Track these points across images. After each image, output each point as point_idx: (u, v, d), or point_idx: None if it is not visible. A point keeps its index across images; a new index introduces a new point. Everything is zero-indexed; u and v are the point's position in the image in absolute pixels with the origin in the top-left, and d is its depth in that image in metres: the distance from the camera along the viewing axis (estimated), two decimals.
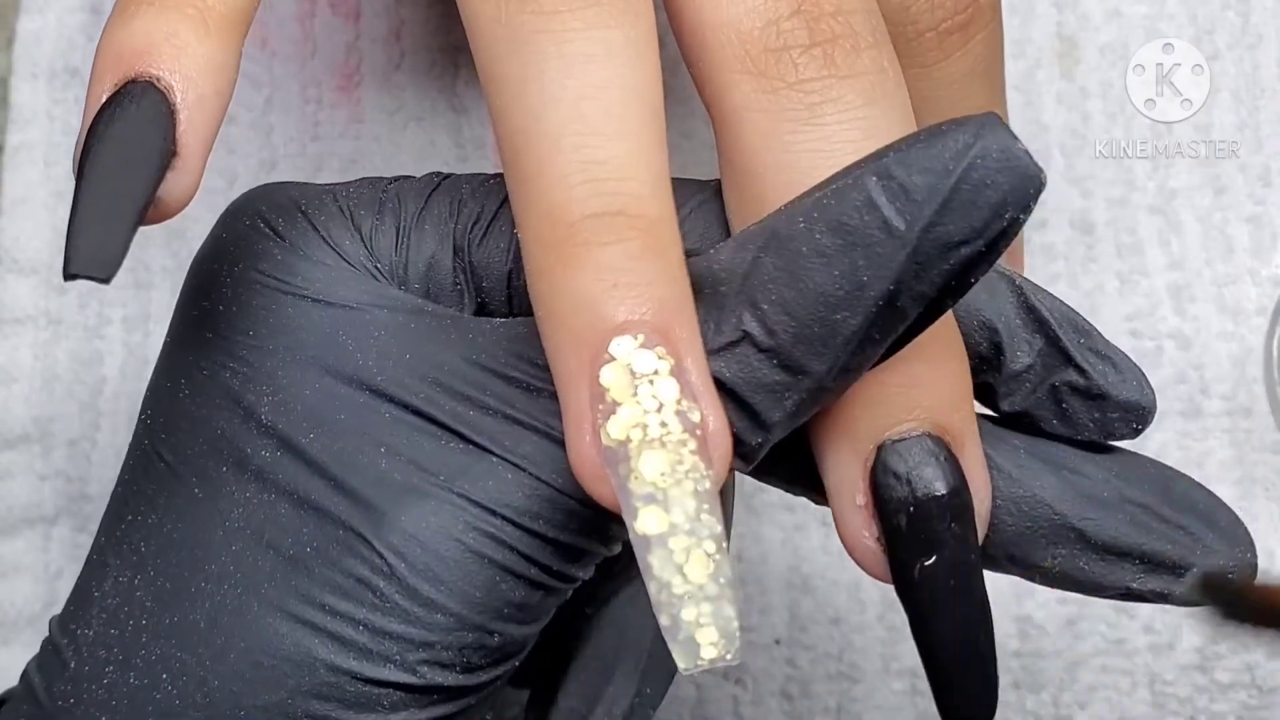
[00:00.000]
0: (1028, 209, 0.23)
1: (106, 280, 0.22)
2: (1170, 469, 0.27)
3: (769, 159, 0.25)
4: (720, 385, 0.24)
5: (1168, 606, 0.29)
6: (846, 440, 0.25)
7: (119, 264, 0.22)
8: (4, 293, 0.39)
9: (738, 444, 0.24)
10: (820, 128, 0.24)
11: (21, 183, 0.40)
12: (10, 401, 0.39)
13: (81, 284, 0.39)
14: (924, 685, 0.38)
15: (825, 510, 0.38)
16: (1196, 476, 0.38)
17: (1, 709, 0.27)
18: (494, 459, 0.25)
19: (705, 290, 0.24)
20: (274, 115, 0.41)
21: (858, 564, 0.26)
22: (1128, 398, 0.27)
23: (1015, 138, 0.22)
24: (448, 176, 0.28)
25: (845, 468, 0.25)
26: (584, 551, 0.25)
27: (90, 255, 0.22)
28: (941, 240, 0.23)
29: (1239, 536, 0.27)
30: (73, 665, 0.26)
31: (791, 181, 0.24)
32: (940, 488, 0.25)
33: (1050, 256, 0.40)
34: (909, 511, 0.25)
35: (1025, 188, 0.22)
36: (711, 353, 0.24)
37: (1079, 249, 0.40)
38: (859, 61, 0.25)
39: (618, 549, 0.26)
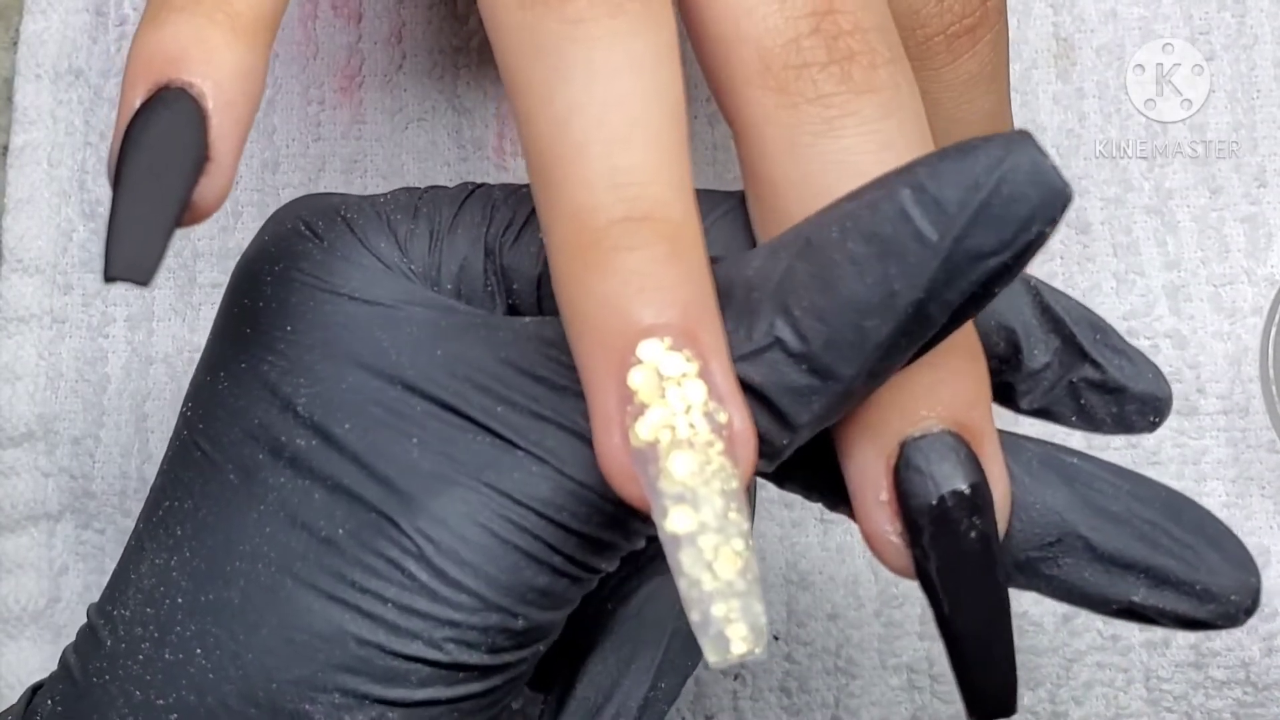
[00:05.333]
0: (1054, 222, 0.23)
1: (145, 283, 0.23)
2: (1182, 495, 0.28)
3: (790, 170, 0.25)
4: (748, 388, 0.24)
5: None
6: (869, 438, 0.25)
7: (157, 267, 0.23)
8: (8, 291, 0.39)
9: (764, 445, 0.24)
10: (839, 140, 0.25)
11: (25, 183, 0.40)
12: (15, 399, 0.39)
13: (84, 282, 0.40)
14: (921, 681, 0.39)
15: (823, 507, 0.38)
16: (1192, 474, 0.39)
17: (36, 694, 0.28)
18: (520, 453, 0.25)
19: (736, 295, 0.24)
20: (276, 116, 0.41)
21: (880, 559, 0.26)
22: (1144, 390, 0.27)
23: (1044, 153, 0.23)
24: (480, 185, 0.29)
25: (868, 464, 0.25)
26: (606, 544, 0.26)
27: (129, 259, 0.23)
28: (972, 251, 0.23)
29: (1245, 561, 0.27)
30: (109, 644, 0.26)
31: (812, 192, 0.25)
32: (960, 482, 0.25)
33: (1047, 256, 0.40)
34: (931, 506, 0.25)
35: (1053, 201, 0.23)
36: (741, 358, 0.24)
37: (1075, 249, 0.40)
38: (875, 77, 0.25)
39: (640, 544, 0.27)
